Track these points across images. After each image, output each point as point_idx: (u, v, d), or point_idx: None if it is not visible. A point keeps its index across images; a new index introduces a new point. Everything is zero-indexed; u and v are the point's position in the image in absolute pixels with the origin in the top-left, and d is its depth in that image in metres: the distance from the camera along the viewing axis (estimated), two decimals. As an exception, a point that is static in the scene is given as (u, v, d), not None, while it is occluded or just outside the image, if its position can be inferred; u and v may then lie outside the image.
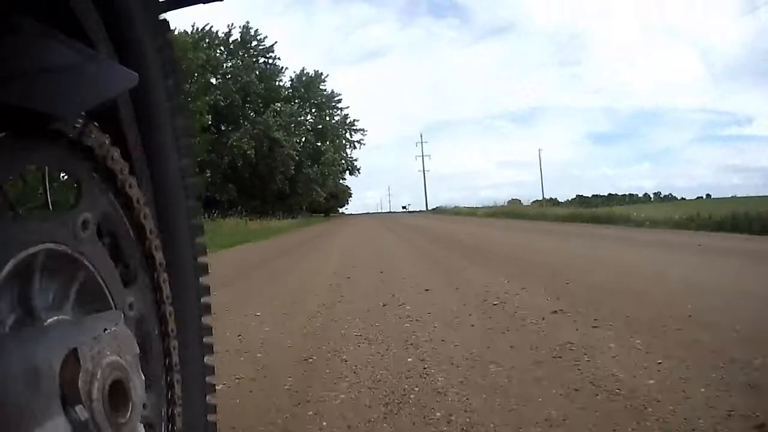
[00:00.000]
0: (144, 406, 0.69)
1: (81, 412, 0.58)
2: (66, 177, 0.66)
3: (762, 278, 5.03)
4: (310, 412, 2.11)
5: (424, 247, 10.76)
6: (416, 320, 3.69)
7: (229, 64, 31.77)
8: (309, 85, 35.19)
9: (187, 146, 0.91)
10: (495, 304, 4.11)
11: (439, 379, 2.47)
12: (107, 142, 0.69)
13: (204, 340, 1.00)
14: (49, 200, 0.63)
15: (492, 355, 2.78)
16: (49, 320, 0.60)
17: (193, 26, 30.47)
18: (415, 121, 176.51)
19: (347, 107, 37.94)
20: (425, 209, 59.52)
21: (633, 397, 2.12)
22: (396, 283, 5.47)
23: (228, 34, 32.19)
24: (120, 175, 0.73)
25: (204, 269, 1.00)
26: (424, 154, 66.49)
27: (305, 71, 35.21)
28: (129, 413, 0.63)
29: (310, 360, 2.83)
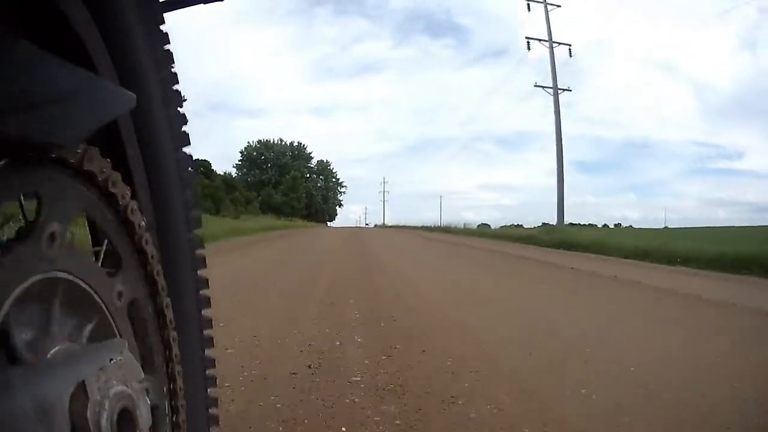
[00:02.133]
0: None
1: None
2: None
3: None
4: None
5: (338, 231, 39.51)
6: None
7: (295, 162, 66.81)
8: (325, 167, 73.76)
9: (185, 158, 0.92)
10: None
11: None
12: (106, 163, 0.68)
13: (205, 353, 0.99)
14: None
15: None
16: (54, 350, 0.59)
17: (279, 139, 67.59)
18: (403, 137, 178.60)
19: (340, 178, 76.37)
20: (381, 225, 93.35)
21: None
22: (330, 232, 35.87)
23: (292, 144, 68.97)
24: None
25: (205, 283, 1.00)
26: (385, 190, 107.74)
27: (322, 160, 74.12)
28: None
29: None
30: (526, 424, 2.24)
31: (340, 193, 77.46)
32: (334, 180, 76.18)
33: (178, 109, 0.88)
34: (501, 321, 4.58)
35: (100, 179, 0.68)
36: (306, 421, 2.23)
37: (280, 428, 2.16)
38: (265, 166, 62.69)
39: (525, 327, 4.30)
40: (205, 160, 42.97)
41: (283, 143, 67.28)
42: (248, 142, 65.29)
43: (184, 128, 0.89)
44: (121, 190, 0.71)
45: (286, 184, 58.49)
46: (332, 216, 75.96)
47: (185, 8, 0.98)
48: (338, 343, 3.57)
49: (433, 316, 4.70)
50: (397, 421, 2.25)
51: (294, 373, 2.86)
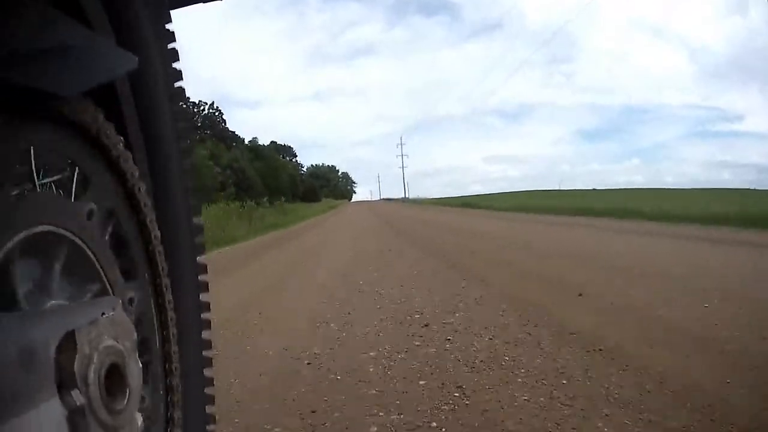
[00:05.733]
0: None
1: (77, 396, 0.56)
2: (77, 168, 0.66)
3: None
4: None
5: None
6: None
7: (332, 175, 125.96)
8: (346, 177, 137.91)
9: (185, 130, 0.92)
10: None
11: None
12: (112, 132, 0.69)
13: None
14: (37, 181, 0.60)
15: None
16: (48, 304, 0.59)
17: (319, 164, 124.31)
18: (404, 117, 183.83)
19: (355, 181, 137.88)
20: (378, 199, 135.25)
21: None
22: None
23: (329, 166, 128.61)
24: (127, 172, 0.74)
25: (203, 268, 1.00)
26: (380, 185, 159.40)
27: (345, 172, 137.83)
28: (126, 400, 0.61)
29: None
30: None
31: (354, 186, 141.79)
32: (350, 180, 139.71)
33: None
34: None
35: (104, 141, 0.69)
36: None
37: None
38: (318, 178, 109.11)
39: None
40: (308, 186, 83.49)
41: (324, 165, 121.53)
42: (310, 165, 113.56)
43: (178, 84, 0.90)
44: (121, 153, 0.72)
45: (331, 187, 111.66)
46: (350, 197, 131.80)
47: (184, 7, 1.00)
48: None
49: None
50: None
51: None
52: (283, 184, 55.02)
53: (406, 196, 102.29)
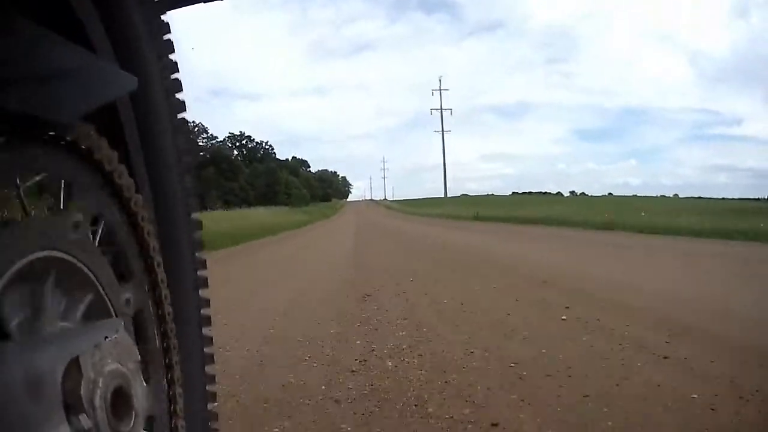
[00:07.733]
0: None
1: (84, 420, 0.57)
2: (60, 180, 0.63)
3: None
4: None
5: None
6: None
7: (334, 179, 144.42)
8: (344, 179, 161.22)
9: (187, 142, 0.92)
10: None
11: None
12: (105, 144, 0.68)
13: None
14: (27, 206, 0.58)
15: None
16: (51, 328, 0.59)
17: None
18: (402, 112, 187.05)
19: (352, 184, 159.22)
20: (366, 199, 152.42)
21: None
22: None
23: (332, 171, 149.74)
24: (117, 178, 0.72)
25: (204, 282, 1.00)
26: (371, 187, 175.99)
27: (344, 176, 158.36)
28: (132, 421, 0.62)
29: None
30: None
31: (350, 188, 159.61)
32: (347, 182, 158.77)
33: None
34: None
35: (105, 166, 0.68)
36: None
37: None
38: (324, 181, 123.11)
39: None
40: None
41: (328, 170, 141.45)
42: (316, 170, 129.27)
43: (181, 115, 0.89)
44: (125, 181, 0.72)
45: (333, 189, 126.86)
46: (347, 196, 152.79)
47: (185, 7, 0.99)
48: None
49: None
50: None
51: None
52: (313, 192, 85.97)
53: (385, 198, 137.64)
